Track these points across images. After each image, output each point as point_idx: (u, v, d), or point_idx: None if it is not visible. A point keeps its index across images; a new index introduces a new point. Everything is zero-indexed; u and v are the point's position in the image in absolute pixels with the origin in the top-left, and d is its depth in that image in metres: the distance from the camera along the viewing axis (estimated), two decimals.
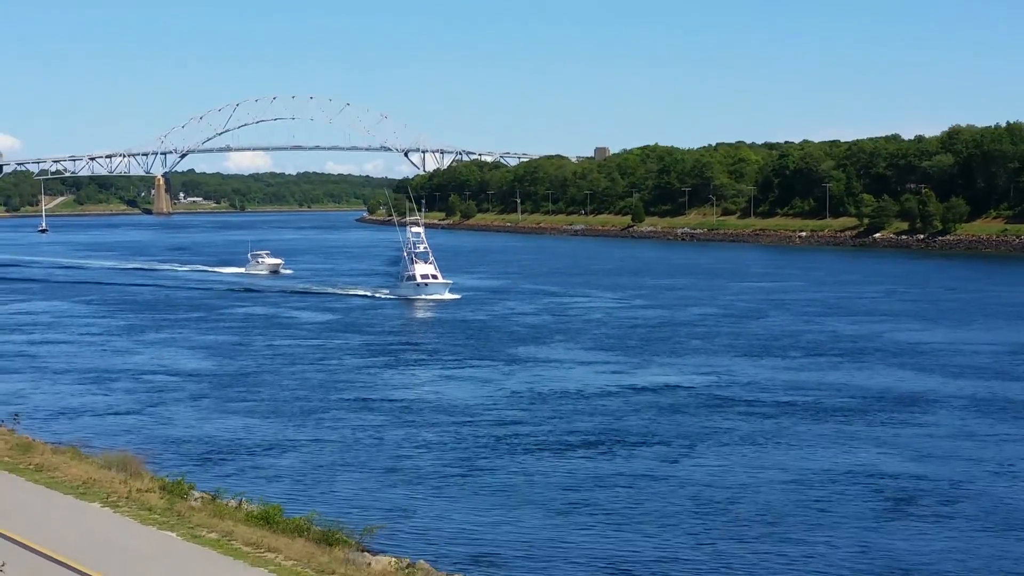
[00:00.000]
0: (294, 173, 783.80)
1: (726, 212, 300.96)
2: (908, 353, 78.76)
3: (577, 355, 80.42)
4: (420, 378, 72.64)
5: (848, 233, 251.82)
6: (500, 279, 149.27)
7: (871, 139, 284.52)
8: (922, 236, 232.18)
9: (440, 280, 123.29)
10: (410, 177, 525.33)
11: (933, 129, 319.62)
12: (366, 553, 33.90)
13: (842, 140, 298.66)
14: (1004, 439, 53.08)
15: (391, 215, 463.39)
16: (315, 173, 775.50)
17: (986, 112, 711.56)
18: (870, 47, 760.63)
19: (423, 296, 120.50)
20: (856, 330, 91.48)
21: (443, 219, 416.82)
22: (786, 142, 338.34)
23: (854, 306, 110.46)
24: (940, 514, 41.69)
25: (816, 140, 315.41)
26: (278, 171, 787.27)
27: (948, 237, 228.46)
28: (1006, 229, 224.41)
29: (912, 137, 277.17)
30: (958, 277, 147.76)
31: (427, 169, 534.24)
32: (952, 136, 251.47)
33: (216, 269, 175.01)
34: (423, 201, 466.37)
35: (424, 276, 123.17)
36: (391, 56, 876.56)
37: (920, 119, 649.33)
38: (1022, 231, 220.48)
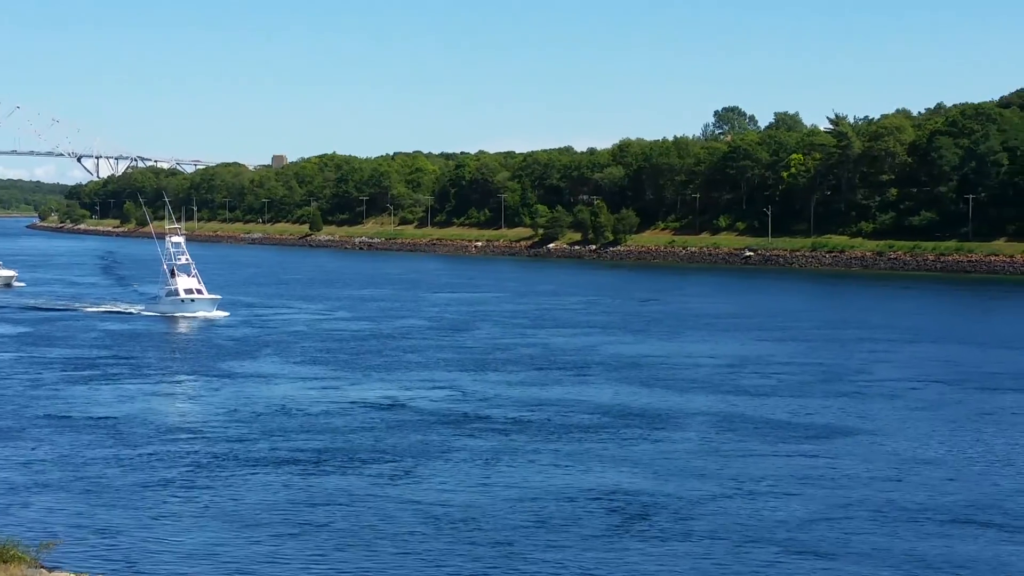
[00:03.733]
0: None
1: (404, 221, 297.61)
2: (629, 367, 74.83)
3: (290, 370, 73.33)
4: (127, 394, 64.37)
5: (523, 243, 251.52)
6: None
7: (545, 151, 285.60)
8: (594, 246, 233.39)
9: (206, 296, 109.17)
10: (84, 183, 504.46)
11: (604, 142, 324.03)
12: (43, 569, 31.76)
13: (517, 151, 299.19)
14: (739, 454, 49.83)
15: (63, 222, 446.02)
16: None
17: (654, 126, 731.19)
18: (542, 59, 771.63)
19: (187, 313, 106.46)
20: (571, 342, 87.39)
21: (118, 226, 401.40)
22: (462, 152, 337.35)
23: (561, 318, 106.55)
24: (675, 531, 38.81)
25: (492, 151, 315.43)
26: None
27: (619, 248, 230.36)
28: (673, 240, 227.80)
29: (585, 149, 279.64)
30: (649, 288, 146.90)
31: (101, 175, 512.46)
32: (622, 149, 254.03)
33: None
34: (98, 208, 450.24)
35: (188, 291, 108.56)
36: (62, 59, 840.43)
37: (592, 132, 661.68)
38: (688, 242, 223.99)
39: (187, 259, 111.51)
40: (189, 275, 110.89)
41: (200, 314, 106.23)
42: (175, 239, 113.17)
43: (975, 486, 44.91)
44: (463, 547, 37.19)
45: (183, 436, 53.25)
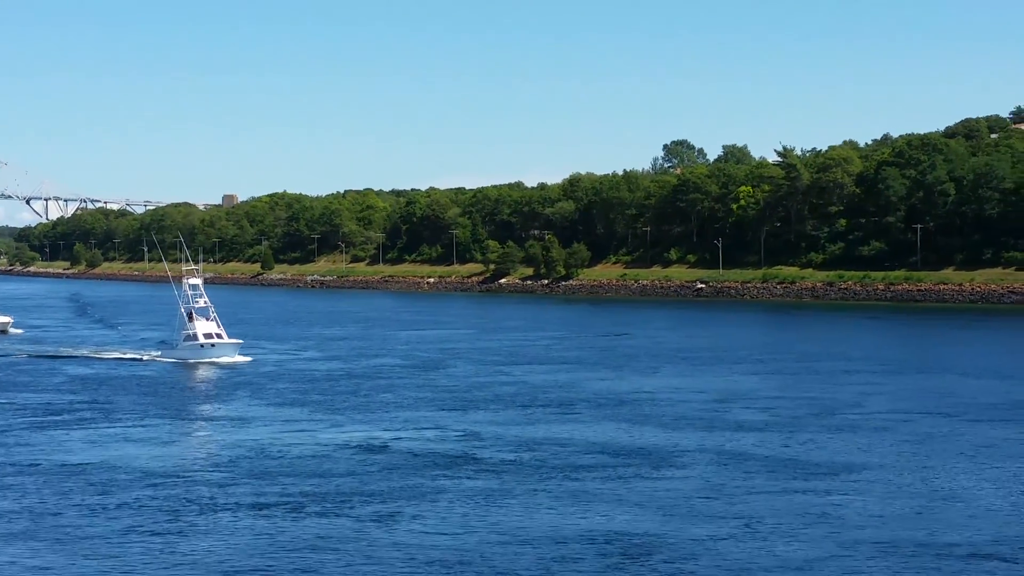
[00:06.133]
0: None
1: (355, 259, 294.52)
2: (614, 403, 71.92)
3: (269, 412, 69.76)
4: (86, 438, 60.87)
5: (475, 279, 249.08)
6: (151, 331, 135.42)
7: (495, 186, 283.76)
8: (546, 281, 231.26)
9: (227, 340, 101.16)
10: (33, 225, 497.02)
11: (555, 177, 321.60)
12: None
13: (467, 187, 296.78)
14: (739, 492, 47.29)
15: (13, 264, 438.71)
16: None
17: (603, 160, 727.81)
18: (491, 95, 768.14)
19: (208, 359, 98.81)
20: (550, 379, 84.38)
21: (68, 268, 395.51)
22: (413, 189, 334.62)
23: (534, 354, 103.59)
24: (675, 573, 36.65)
25: (442, 187, 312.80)
26: None
27: (571, 282, 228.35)
28: (625, 274, 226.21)
29: (535, 184, 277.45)
30: (614, 322, 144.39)
31: (50, 217, 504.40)
32: (573, 184, 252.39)
33: None
34: (47, 250, 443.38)
35: (208, 335, 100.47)
36: (8, 102, 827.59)
37: (542, 167, 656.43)
38: (640, 276, 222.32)
39: (205, 302, 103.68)
40: (208, 319, 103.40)
41: (222, 359, 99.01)
42: (192, 281, 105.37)
43: (987, 521, 42.67)
44: None
45: (167, 481, 50.09)
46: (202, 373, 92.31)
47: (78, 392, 79.99)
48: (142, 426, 65.63)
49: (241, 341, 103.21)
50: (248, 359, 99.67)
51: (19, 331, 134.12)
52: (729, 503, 45.21)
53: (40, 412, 70.71)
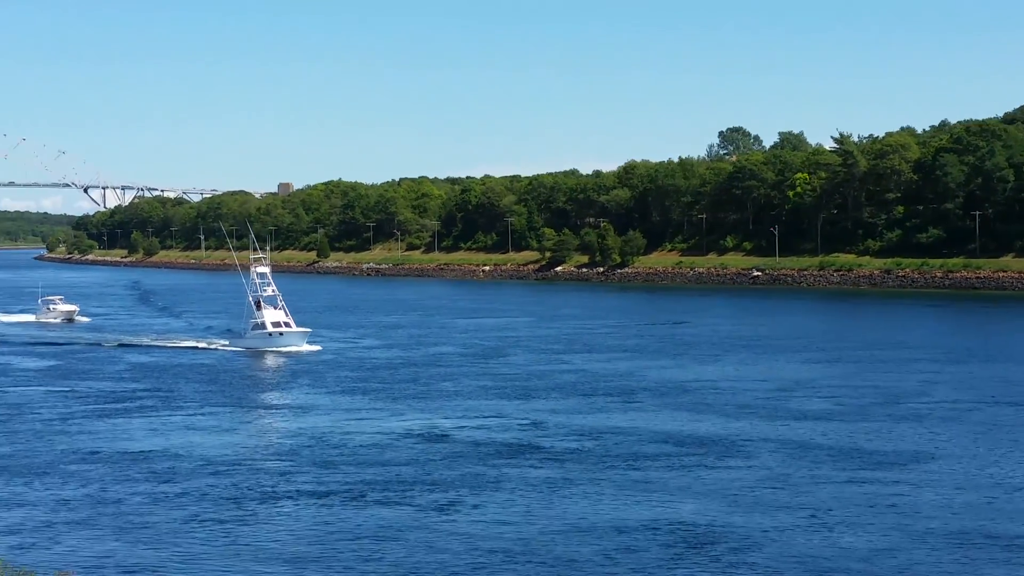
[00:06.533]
0: None
1: (411, 247, 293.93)
2: (677, 392, 71.44)
3: (327, 400, 69.91)
4: (151, 426, 61.23)
5: (531, 267, 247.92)
6: (213, 319, 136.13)
7: (551, 174, 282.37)
8: (602, 269, 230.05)
9: (295, 329, 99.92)
10: (91, 214, 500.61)
11: (610, 164, 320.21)
12: None
13: (523, 175, 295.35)
14: (806, 482, 46.86)
15: (71, 253, 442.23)
16: None
17: (659, 148, 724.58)
18: (546, 82, 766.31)
19: (276, 347, 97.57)
20: (611, 368, 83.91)
21: (125, 256, 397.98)
22: (468, 177, 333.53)
23: (594, 342, 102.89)
24: (740, 563, 36.22)
25: (497, 175, 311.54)
26: None
27: (627, 270, 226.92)
28: (680, 261, 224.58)
29: (590, 172, 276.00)
30: (671, 310, 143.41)
31: (108, 205, 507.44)
32: (628, 171, 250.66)
33: None
34: (104, 238, 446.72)
35: (276, 324, 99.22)
36: (68, 91, 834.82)
37: (597, 154, 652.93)
38: (695, 263, 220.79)
39: (273, 290, 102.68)
40: (276, 307, 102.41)
41: (290, 348, 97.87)
42: (260, 269, 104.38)
43: None
44: None
45: (229, 469, 50.41)
46: (264, 362, 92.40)
47: (141, 380, 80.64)
48: (204, 414, 65.95)
49: (309, 330, 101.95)
50: (317, 348, 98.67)
51: (86, 319, 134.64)
52: (795, 493, 44.76)
53: (106, 399, 71.33)
